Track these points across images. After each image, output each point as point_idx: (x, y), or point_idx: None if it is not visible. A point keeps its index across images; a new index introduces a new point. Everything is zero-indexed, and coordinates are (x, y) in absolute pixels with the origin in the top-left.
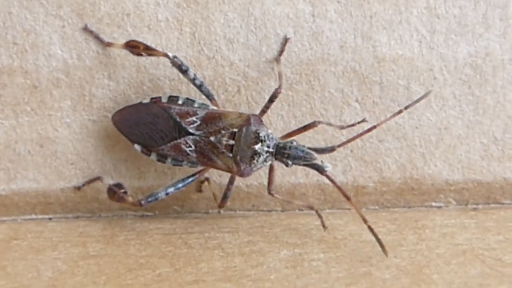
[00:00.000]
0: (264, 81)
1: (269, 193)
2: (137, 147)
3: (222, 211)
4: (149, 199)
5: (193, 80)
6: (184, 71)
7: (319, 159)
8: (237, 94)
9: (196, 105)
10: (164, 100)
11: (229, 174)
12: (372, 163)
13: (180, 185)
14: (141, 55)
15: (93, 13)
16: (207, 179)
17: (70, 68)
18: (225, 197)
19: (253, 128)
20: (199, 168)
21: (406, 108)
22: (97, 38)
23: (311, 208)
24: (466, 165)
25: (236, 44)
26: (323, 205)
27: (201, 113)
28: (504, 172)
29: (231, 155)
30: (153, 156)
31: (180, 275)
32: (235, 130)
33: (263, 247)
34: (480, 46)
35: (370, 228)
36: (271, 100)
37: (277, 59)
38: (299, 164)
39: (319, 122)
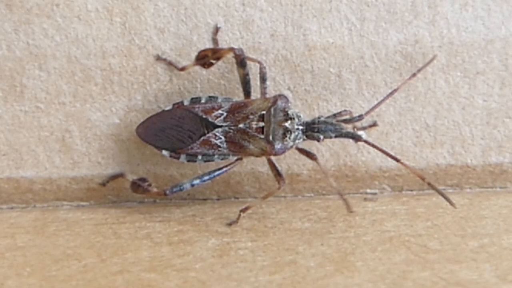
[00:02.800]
0: (195, 70)
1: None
2: (165, 153)
3: (158, 200)
4: (174, 189)
5: (245, 75)
6: (243, 66)
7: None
8: (169, 84)
9: (219, 100)
10: (186, 103)
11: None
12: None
13: (206, 177)
14: (212, 64)
15: (22, 3)
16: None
17: (0, 59)
18: (278, 174)
19: (281, 107)
20: (229, 160)
21: (418, 71)
22: (171, 64)
23: (340, 191)
24: (399, 151)
25: (167, 34)
26: (258, 193)
27: (226, 105)
28: (436, 158)
29: (262, 136)
30: (183, 158)
31: (106, 266)
32: (263, 112)
33: (192, 236)
34: (409, 34)
35: (429, 184)
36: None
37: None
38: (330, 137)
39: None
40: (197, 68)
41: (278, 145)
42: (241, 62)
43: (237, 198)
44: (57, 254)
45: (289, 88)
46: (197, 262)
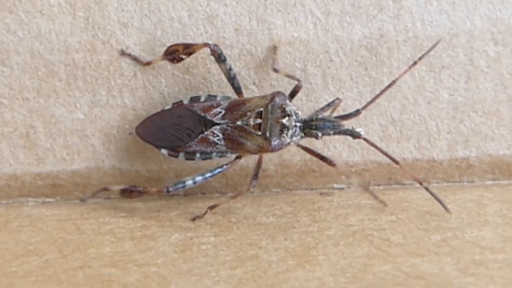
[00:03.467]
0: (160, 65)
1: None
2: (164, 151)
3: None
4: (177, 186)
5: (228, 71)
6: (222, 61)
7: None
8: (133, 79)
9: (218, 98)
10: (186, 102)
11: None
12: None
13: (208, 175)
14: (182, 59)
15: None
16: None
17: None
18: (256, 175)
19: (279, 103)
20: (229, 159)
21: (420, 59)
22: (136, 60)
23: (366, 186)
24: (365, 146)
25: (131, 29)
26: (225, 188)
27: (225, 103)
28: (403, 153)
29: (259, 133)
30: (181, 156)
31: (67, 261)
32: (261, 109)
33: (155, 231)
34: (374, 28)
35: (426, 188)
36: (292, 95)
37: (275, 70)
38: (329, 134)
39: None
40: (162, 62)
41: (275, 142)
42: (219, 57)
43: (204, 193)
44: (18, 250)
45: (254, 83)
46: (159, 257)
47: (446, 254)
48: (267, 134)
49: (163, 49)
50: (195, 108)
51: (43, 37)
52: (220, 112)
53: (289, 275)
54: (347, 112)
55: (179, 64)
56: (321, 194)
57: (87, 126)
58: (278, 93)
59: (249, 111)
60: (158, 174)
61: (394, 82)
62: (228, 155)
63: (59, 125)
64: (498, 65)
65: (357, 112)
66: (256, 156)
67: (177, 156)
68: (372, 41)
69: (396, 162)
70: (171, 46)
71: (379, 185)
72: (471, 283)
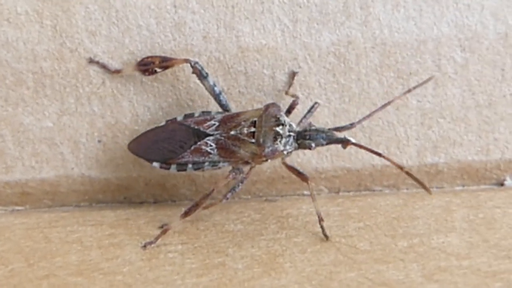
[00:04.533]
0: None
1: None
2: (155, 164)
3: (94, 204)
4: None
5: (212, 87)
6: (204, 77)
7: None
8: (102, 86)
9: (212, 113)
10: (179, 118)
11: None
12: None
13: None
14: (155, 72)
15: None
16: None
17: None
18: (234, 189)
19: (273, 113)
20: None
21: (414, 88)
22: (104, 67)
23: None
24: (335, 152)
25: (99, 37)
26: (195, 195)
27: (218, 116)
28: (372, 159)
29: (253, 140)
30: (173, 169)
31: (33, 270)
32: (255, 119)
33: (123, 239)
34: (342, 35)
35: (408, 173)
36: (289, 111)
37: (287, 92)
38: (322, 145)
39: None
40: (131, 71)
41: (269, 148)
42: (200, 74)
43: (174, 201)
44: None
45: (223, 90)
46: (125, 265)
47: (412, 260)
48: (261, 141)
49: (131, 57)
50: (189, 122)
51: (10, 46)
52: (214, 124)
53: (255, 283)
54: (341, 125)
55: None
56: (265, 200)
57: (55, 134)
58: (273, 104)
59: (243, 121)
60: (128, 182)
61: (389, 102)
62: (221, 164)
63: (28, 133)
64: (465, 72)
65: (351, 125)
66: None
67: (168, 169)
68: (340, 48)
69: (379, 155)
70: (147, 57)
71: (348, 191)
72: None
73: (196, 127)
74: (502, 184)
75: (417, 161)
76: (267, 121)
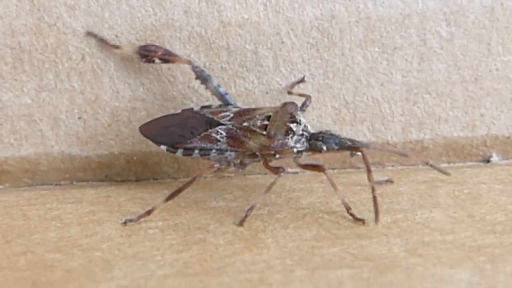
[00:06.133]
0: (108, 48)
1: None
2: (163, 147)
3: (75, 182)
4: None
5: (216, 89)
6: (206, 80)
7: None
8: (81, 62)
9: (230, 106)
10: (196, 109)
11: None
12: None
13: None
14: (153, 61)
15: None
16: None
17: None
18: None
19: (290, 111)
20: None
21: (431, 165)
22: (102, 41)
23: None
24: (319, 129)
25: (78, 11)
26: (177, 173)
27: (234, 109)
28: (357, 136)
29: (264, 132)
30: (179, 153)
31: (10, 247)
32: (270, 114)
33: (103, 216)
34: (325, 9)
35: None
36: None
37: (289, 92)
38: (333, 149)
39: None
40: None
41: (279, 140)
42: (202, 77)
43: (156, 179)
44: None
45: (205, 66)
46: (104, 241)
47: (395, 235)
48: (272, 133)
49: (111, 32)
50: (204, 112)
51: None
52: (229, 116)
53: (236, 258)
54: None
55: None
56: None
57: (34, 111)
58: (292, 103)
59: (258, 115)
60: (109, 160)
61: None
62: (227, 153)
63: (6, 110)
64: (451, 46)
65: (367, 147)
66: None
67: (175, 152)
68: (323, 22)
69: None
70: (152, 45)
71: (333, 168)
72: (418, 263)
73: (210, 116)
74: (488, 161)
75: (402, 138)
76: (282, 117)
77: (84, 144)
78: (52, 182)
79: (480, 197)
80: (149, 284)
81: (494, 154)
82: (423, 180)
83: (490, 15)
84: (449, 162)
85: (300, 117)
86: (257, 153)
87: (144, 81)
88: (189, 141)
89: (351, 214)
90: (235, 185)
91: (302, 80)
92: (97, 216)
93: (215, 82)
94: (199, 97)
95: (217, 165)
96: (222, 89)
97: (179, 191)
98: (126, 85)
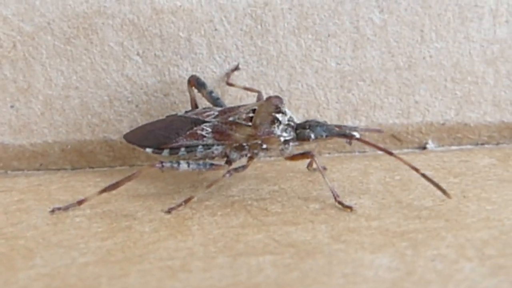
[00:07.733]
0: (40, 36)
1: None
2: (148, 150)
3: (9, 171)
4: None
5: (210, 95)
6: (202, 87)
7: None
8: (13, 50)
9: (214, 107)
10: (180, 114)
11: None
12: None
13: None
14: None
15: None
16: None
17: None
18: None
19: (275, 103)
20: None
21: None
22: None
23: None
24: None
25: None
26: (113, 162)
27: (219, 108)
28: None
29: (250, 123)
30: (165, 153)
31: None
32: (255, 107)
33: (31, 205)
34: None
35: (424, 176)
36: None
37: (229, 84)
38: (322, 136)
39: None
40: (42, 34)
41: (265, 129)
42: (197, 86)
43: (92, 167)
44: None
45: (138, 54)
46: (29, 230)
47: (321, 222)
48: (257, 123)
49: (43, 20)
50: (189, 114)
51: None
52: (213, 114)
53: (159, 245)
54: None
55: (60, 35)
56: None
57: None
58: (276, 96)
59: (243, 109)
60: (43, 148)
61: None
62: (214, 148)
63: None
64: (384, 33)
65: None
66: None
67: (160, 153)
68: (256, 9)
69: (390, 153)
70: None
71: (270, 156)
72: (341, 249)
73: (195, 117)
74: (424, 148)
75: None
76: (267, 108)
77: (17, 132)
78: None
79: (410, 183)
80: (69, 271)
81: (430, 141)
82: (356, 167)
83: (423, 2)
84: None
85: (286, 108)
86: (244, 145)
87: (77, 69)
88: (174, 141)
89: (340, 202)
90: (168, 173)
91: (237, 68)
92: (25, 205)
93: (208, 88)
94: (133, 85)
95: (158, 165)
96: (214, 94)
97: (115, 185)
98: (59, 73)
